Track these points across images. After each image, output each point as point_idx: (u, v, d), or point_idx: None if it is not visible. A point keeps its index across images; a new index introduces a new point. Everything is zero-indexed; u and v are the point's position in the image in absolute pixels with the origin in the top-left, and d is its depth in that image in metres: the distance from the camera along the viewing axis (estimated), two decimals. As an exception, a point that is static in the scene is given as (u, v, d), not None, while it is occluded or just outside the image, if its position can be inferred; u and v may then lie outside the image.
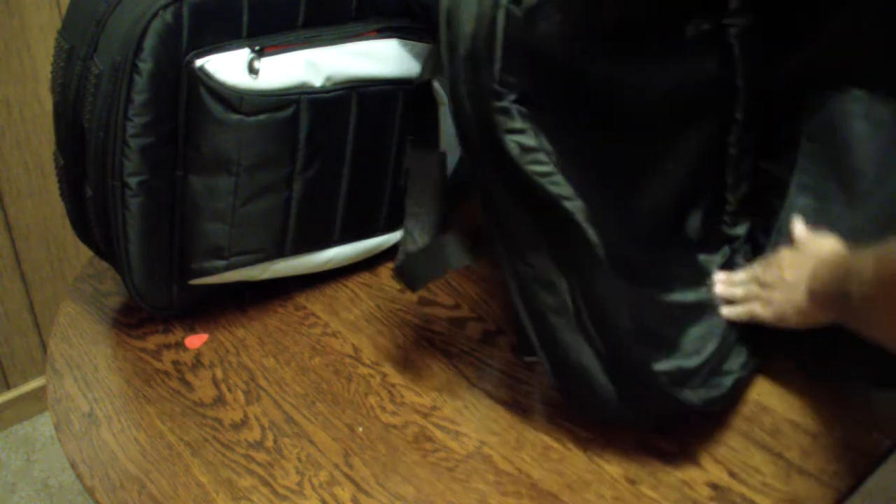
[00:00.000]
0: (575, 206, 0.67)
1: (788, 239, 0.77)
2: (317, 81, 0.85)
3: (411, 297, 0.95)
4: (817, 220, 0.77)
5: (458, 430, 0.79)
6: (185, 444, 0.77)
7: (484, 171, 0.70)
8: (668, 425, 0.76)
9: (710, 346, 0.78)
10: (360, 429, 0.79)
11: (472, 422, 0.79)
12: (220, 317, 0.93)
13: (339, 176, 0.91)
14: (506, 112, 0.66)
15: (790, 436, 0.76)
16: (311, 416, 0.80)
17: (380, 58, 0.90)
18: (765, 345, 0.81)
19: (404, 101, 0.93)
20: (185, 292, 0.89)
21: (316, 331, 0.91)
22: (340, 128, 0.89)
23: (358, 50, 0.88)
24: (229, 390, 0.83)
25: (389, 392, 0.83)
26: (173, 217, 0.84)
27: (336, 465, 0.75)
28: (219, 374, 0.85)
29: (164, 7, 0.76)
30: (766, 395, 0.80)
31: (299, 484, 0.73)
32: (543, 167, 0.67)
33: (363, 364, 0.87)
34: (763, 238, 0.83)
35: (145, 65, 0.77)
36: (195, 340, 0.90)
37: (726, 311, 0.80)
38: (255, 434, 0.78)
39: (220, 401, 0.82)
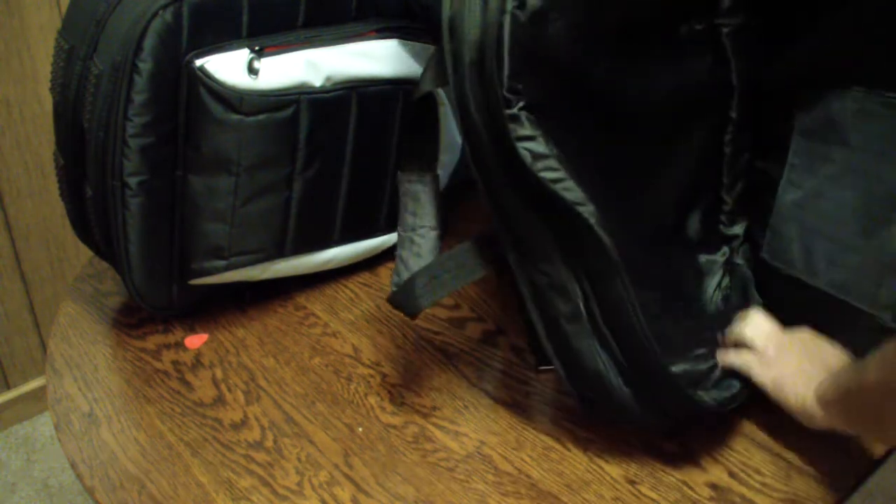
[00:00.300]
0: (588, 210, 0.67)
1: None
2: (317, 81, 0.85)
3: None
4: (806, 218, 0.77)
5: (458, 430, 0.79)
6: (185, 444, 0.77)
7: (495, 179, 0.69)
8: (682, 427, 0.76)
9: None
10: (360, 429, 0.79)
11: (471, 422, 0.79)
12: (220, 317, 0.93)
13: (339, 176, 0.91)
14: (516, 119, 0.66)
15: (790, 436, 0.76)
16: (311, 416, 0.80)
17: (380, 58, 0.90)
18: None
19: (404, 103, 0.93)
20: (185, 292, 0.89)
21: (316, 331, 0.91)
22: (340, 128, 0.89)
23: (358, 50, 0.88)
24: (229, 390, 0.83)
25: (389, 392, 0.83)
26: (173, 217, 0.84)
27: (336, 466, 0.75)
28: (219, 374, 0.85)
29: (164, 7, 0.76)
30: (765, 395, 0.80)
31: (299, 484, 0.73)
32: (555, 173, 0.66)
33: (363, 364, 0.87)
34: (760, 237, 0.83)
35: (145, 65, 0.77)
36: (195, 340, 0.90)
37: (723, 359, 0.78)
38: (254, 434, 0.78)
39: (219, 401, 0.82)
